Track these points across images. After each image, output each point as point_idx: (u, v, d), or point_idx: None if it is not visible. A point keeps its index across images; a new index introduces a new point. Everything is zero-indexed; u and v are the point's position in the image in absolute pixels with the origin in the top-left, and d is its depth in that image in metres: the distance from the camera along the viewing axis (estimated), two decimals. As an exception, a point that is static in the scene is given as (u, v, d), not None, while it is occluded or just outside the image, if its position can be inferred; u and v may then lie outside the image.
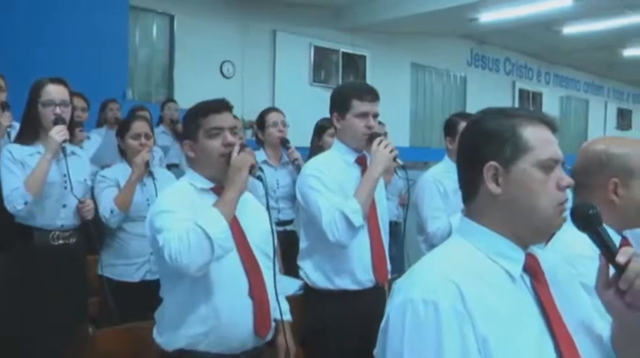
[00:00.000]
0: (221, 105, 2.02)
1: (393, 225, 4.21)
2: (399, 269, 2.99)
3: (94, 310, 3.02)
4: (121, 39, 6.27)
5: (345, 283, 2.41)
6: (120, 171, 3.05)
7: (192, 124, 2.01)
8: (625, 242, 1.61)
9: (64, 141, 2.65)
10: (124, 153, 3.10)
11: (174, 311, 1.95)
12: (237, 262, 1.96)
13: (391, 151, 2.36)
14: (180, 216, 1.84)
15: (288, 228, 3.87)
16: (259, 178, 1.99)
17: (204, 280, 1.88)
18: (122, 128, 3.12)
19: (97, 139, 4.29)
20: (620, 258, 1.08)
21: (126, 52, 6.41)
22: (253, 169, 1.96)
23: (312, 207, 2.36)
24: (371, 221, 2.42)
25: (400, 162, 2.43)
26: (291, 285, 2.86)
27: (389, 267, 2.55)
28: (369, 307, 2.29)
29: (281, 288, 2.21)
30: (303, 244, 2.54)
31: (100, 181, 3.00)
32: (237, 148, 1.96)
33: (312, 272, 2.47)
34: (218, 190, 1.97)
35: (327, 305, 2.42)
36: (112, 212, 2.90)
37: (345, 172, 2.43)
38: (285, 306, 2.18)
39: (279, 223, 3.80)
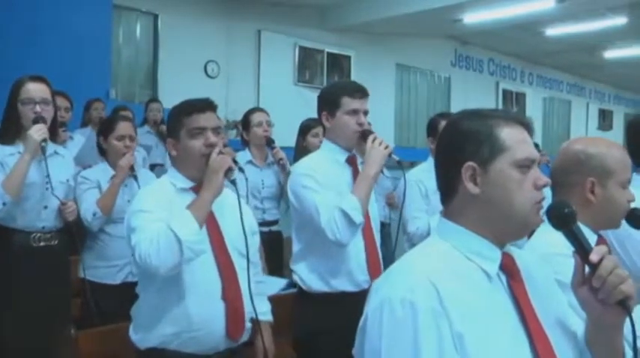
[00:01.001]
0: (205, 105, 2.01)
1: (380, 226, 4.22)
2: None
3: (77, 311, 3.00)
4: (105, 38, 6.21)
5: (342, 284, 2.38)
6: (101, 172, 3.01)
7: (176, 123, 2.01)
8: (601, 241, 1.64)
9: (44, 140, 2.59)
10: (105, 153, 3.07)
11: (148, 310, 1.97)
12: (212, 264, 1.95)
13: (386, 148, 2.34)
14: (155, 217, 1.84)
15: (274, 228, 3.87)
16: (233, 182, 1.98)
17: (177, 281, 1.88)
18: (105, 128, 3.07)
19: (80, 139, 4.25)
20: (594, 257, 1.10)
21: (109, 51, 6.36)
22: (230, 172, 1.95)
23: (308, 206, 2.30)
24: (365, 221, 2.37)
25: (396, 157, 2.42)
26: (275, 285, 2.86)
27: (382, 267, 2.53)
28: (363, 308, 2.27)
29: (263, 289, 2.20)
30: (296, 247, 2.49)
31: (81, 183, 2.96)
32: (217, 150, 1.96)
33: (306, 274, 2.42)
34: (198, 190, 1.96)
35: (322, 309, 2.37)
36: (94, 215, 2.87)
37: (337, 172, 2.40)
38: (265, 307, 2.18)
39: (264, 223, 3.80)
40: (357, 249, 2.39)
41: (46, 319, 2.66)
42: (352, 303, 2.30)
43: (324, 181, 2.32)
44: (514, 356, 1.11)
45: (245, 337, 2.04)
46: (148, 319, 1.96)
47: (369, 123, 2.53)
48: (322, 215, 2.25)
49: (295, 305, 2.50)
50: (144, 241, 1.79)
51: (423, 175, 3.01)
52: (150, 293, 1.96)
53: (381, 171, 2.61)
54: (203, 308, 1.92)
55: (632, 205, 1.67)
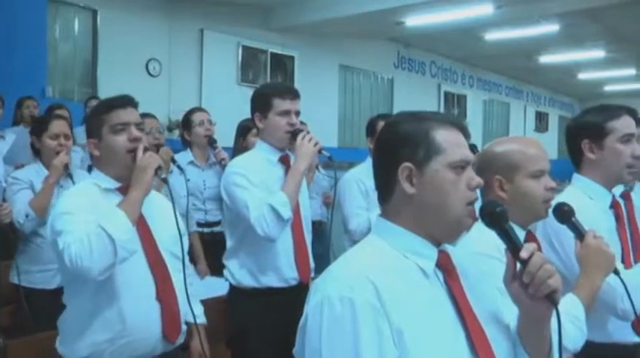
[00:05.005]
0: (126, 101, 1.98)
1: (317, 224, 4.25)
2: (325, 268, 3.03)
3: (6, 320, 2.87)
4: (40, 33, 6.00)
5: (270, 280, 2.44)
6: (34, 173, 2.90)
7: (96, 121, 1.96)
8: (530, 236, 1.70)
9: None
10: (39, 153, 2.96)
11: (78, 317, 1.87)
12: (144, 265, 1.90)
13: (315, 144, 2.42)
14: (81, 219, 1.77)
15: (216, 229, 3.83)
16: (164, 180, 1.95)
17: (109, 284, 1.81)
18: (39, 127, 2.96)
19: (12, 138, 4.10)
20: (524, 254, 1.15)
21: (45, 47, 6.14)
22: (159, 170, 1.91)
23: (238, 204, 2.37)
24: (294, 218, 2.45)
25: (326, 153, 2.49)
26: (219, 286, 2.83)
27: (312, 265, 2.59)
28: (293, 305, 2.33)
29: (196, 291, 2.18)
30: (229, 243, 2.55)
31: (12, 183, 2.84)
32: (142, 147, 1.91)
33: (237, 270, 2.48)
34: (124, 190, 1.90)
35: (252, 304, 2.43)
36: (27, 216, 2.74)
37: (269, 171, 2.46)
38: (199, 310, 2.14)
39: (207, 224, 3.77)
40: (286, 247, 2.46)
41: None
42: (279, 299, 2.40)
43: (255, 180, 2.38)
44: (452, 350, 1.15)
45: (181, 339, 2.00)
46: (77, 327, 1.86)
47: (305, 123, 2.58)
48: (252, 211, 2.32)
49: (227, 303, 2.55)
50: (73, 243, 1.70)
51: (363, 174, 3.11)
52: (80, 298, 1.87)
53: (317, 170, 2.68)
54: (138, 310, 1.86)
55: (570, 204, 1.73)
